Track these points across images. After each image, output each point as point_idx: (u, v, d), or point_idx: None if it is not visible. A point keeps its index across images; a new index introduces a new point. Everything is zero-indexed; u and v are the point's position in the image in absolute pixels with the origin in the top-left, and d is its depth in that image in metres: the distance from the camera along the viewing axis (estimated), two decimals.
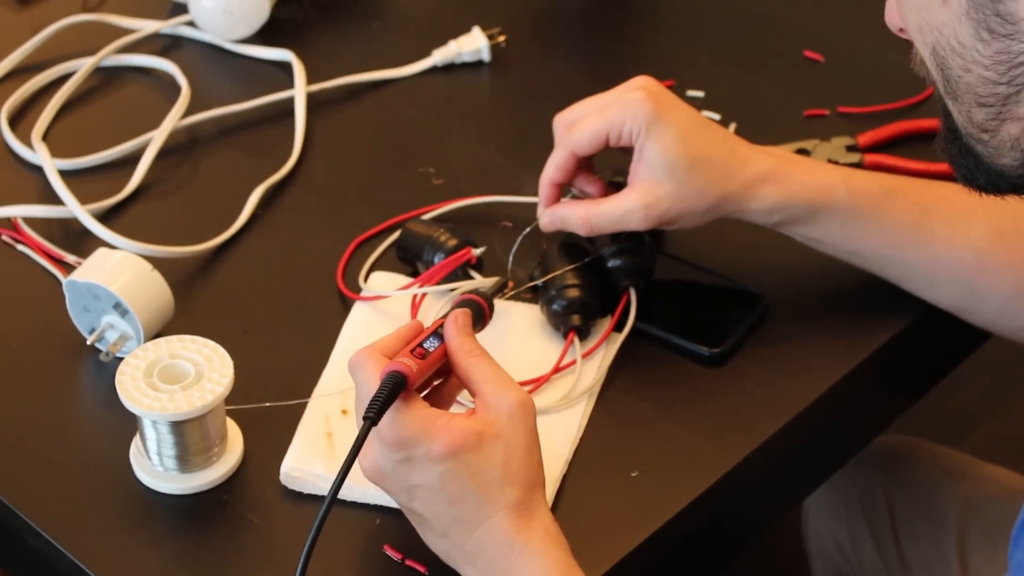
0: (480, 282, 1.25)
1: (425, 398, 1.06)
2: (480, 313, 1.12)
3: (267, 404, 1.18)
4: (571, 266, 1.23)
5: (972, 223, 1.21)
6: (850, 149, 1.39)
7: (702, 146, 1.20)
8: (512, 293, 1.24)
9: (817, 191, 1.21)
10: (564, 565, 1.02)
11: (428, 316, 1.24)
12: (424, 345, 1.05)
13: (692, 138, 1.20)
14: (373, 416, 1.00)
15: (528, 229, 1.28)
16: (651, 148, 1.19)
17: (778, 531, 1.32)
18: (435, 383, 1.09)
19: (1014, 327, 1.24)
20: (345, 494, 1.13)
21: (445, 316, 1.09)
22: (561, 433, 1.17)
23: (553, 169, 1.25)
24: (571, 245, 1.26)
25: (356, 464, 1.13)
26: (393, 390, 1.01)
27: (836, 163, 1.37)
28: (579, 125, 1.23)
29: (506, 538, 1.02)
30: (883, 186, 1.23)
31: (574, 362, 1.21)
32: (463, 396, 1.14)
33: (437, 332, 1.07)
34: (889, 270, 1.25)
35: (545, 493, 1.05)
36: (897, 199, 1.22)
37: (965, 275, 1.22)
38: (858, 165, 1.37)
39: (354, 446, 1.01)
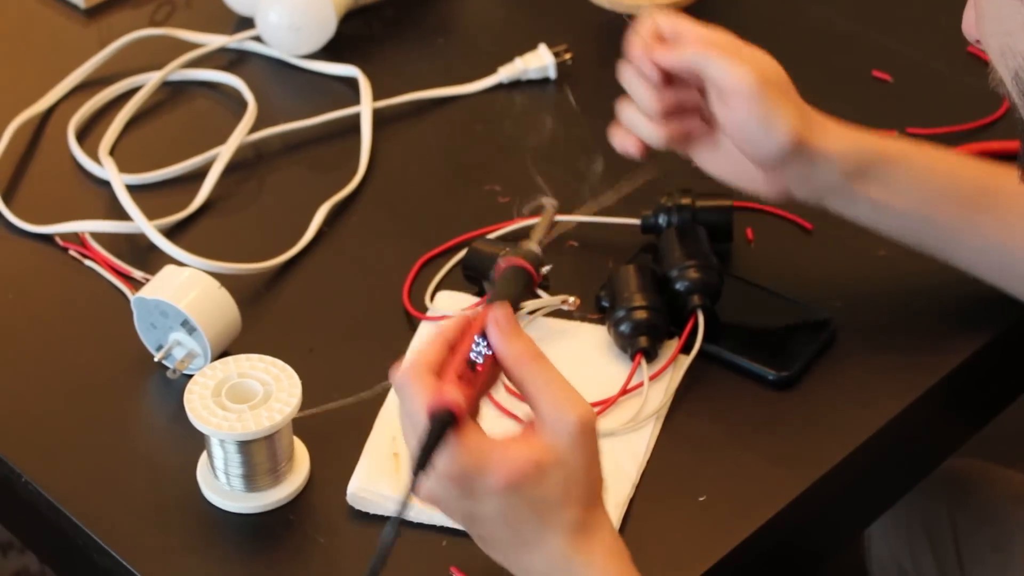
0: (546, 301, 1.24)
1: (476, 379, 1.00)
2: (528, 280, 1.03)
3: (332, 405, 1.16)
4: (638, 287, 1.23)
5: None
6: None
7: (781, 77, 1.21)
8: (578, 313, 1.24)
9: (885, 141, 1.20)
10: None
11: None
12: (472, 358, 0.98)
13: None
14: (420, 466, 0.96)
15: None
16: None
17: (839, 556, 1.31)
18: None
19: None
20: (412, 515, 1.12)
21: (494, 296, 1.01)
22: (628, 456, 1.16)
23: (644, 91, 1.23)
24: (639, 266, 1.25)
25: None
26: (442, 432, 0.96)
27: None
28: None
29: (565, 559, 1.00)
30: (948, 151, 1.21)
31: (641, 384, 1.21)
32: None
33: (482, 335, 0.99)
34: (964, 241, 1.21)
35: (605, 508, 1.01)
36: (967, 162, 1.20)
37: None
38: None
39: (405, 492, 0.97)
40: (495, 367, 1.00)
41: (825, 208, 1.24)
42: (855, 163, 1.20)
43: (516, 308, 1.02)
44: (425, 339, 1.00)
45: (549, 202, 1.10)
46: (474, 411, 1.01)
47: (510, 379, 1.01)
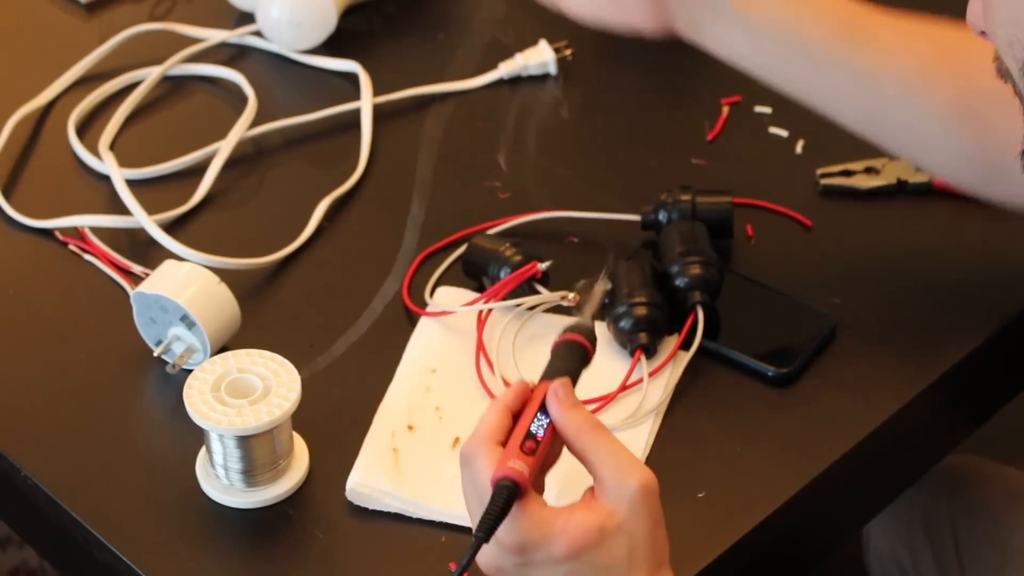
0: (546, 297, 1.24)
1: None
2: (584, 356, 1.05)
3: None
4: (638, 283, 1.23)
5: (916, 37, 1.18)
6: (919, 168, 1.38)
7: None
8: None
9: None
10: None
11: (494, 331, 1.24)
12: (532, 430, 0.99)
13: None
14: (483, 535, 0.95)
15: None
16: None
17: (838, 551, 1.31)
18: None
19: (949, 164, 1.21)
20: (412, 511, 1.12)
21: (550, 371, 1.03)
22: None
23: None
24: (638, 262, 1.25)
25: (421, 480, 1.13)
26: (507, 502, 0.96)
27: (905, 182, 1.36)
28: None
29: None
30: None
31: (640, 380, 1.21)
32: None
33: (543, 408, 1.00)
34: (833, 73, 1.20)
35: (671, 572, 1.00)
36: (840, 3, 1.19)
37: (908, 86, 1.18)
38: (927, 184, 1.36)
39: (463, 564, 0.96)
40: (556, 441, 1.01)
41: (698, 42, 1.23)
42: None
43: (574, 383, 1.03)
44: (488, 410, 1.01)
45: (601, 282, 1.11)
46: (539, 485, 1.02)
47: (571, 450, 1.01)
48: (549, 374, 1.03)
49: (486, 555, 0.99)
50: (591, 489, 1.00)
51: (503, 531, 0.97)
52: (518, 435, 0.99)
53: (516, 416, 1.01)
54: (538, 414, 1.00)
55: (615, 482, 0.98)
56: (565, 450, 1.02)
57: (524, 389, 1.02)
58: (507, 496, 0.96)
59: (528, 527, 0.97)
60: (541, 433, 1.00)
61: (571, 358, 1.04)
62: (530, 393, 1.02)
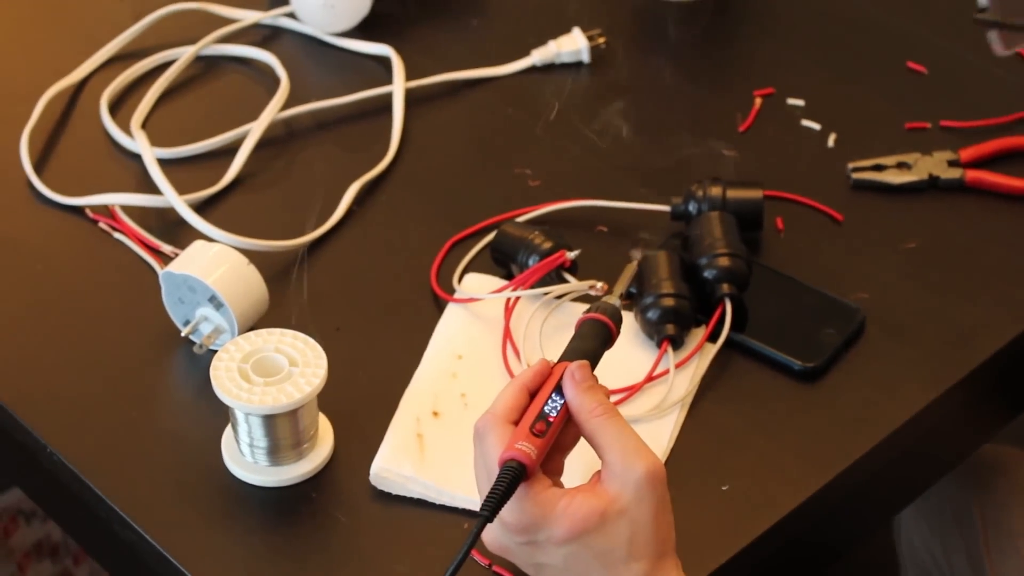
0: (574, 286, 1.24)
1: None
2: (608, 336, 1.06)
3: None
4: (666, 274, 1.22)
5: None
6: (952, 164, 1.37)
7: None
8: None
9: None
10: None
11: (521, 319, 1.24)
12: (546, 411, 1.00)
13: None
14: (488, 514, 0.97)
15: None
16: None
17: (869, 540, 1.31)
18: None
19: None
20: (434, 497, 1.12)
21: (572, 350, 1.04)
22: (652, 444, 1.14)
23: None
24: (668, 253, 1.25)
25: (445, 467, 1.13)
26: (512, 483, 0.97)
27: (937, 178, 1.36)
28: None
29: None
30: None
31: (667, 372, 1.20)
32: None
33: (559, 388, 1.01)
34: None
35: (676, 560, 1.01)
36: None
37: None
38: (959, 180, 1.36)
39: (468, 541, 0.97)
40: (568, 418, 1.02)
41: None
42: None
43: (594, 364, 1.04)
44: (505, 388, 1.02)
45: (636, 255, 1.12)
46: (556, 466, 1.03)
47: (582, 432, 1.02)
48: (569, 354, 1.04)
49: (491, 533, 1.01)
50: (598, 473, 1.00)
51: (507, 511, 0.98)
52: (530, 416, 1.00)
53: (534, 395, 1.02)
54: (553, 394, 1.01)
55: (621, 467, 0.98)
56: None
57: (544, 368, 1.03)
58: (512, 477, 0.97)
59: (531, 508, 0.98)
60: (554, 414, 1.00)
61: (593, 338, 1.05)
62: (549, 372, 1.02)
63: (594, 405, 1.01)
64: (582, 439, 1.03)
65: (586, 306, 1.24)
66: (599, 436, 1.00)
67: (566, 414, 1.01)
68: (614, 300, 1.08)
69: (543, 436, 0.99)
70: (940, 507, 1.48)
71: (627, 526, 0.98)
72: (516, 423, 1.00)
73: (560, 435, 1.02)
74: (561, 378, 1.02)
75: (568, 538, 0.98)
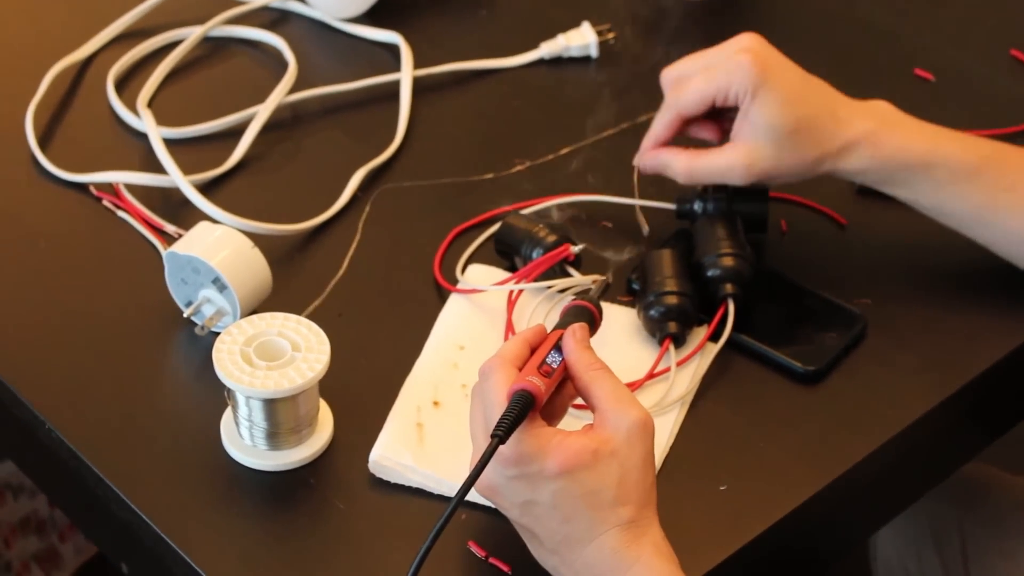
0: (577, 280, 1.24)
1: (542, 409, 1.05)
2: (591, 320, 1.11)
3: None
4: (670, 272, 1.22)
5: None
6: None
7: (804, 109, 1.24)
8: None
9: (911, 156, 1.24)
10: None
11: (524, 312, 1.24)
12: (547, 361, 1.05)
13: (795, 103, 1.24)
14: (502, 434, 1.00)
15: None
16: (756, 112, 1.23)
17: (845, 559, 1.31)
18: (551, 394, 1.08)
19: None
20: (433, 487, 1.12)
21: (563, 327, 1.08)
22: None
23: (661, 129, 1.29)
24: (671, 251, 1.25)
25: (444, 456, 1.13)
26: (523, 409, 1.01)
27: None
28: (685, 88, 1.26)
29: (615, 555, 1.01)
30: (980, 153, 1.25)
31: (668, 369, 1.20)
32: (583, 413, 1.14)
33: (557, 346, 1.06)
34: (982, 234, 1.26)
35: (656, 511, 1.04)
36: (993, 165, 1.24)
37: None
38: None
39: (480, 461, 1.00)
40: (565, 392, 1.08)
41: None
42: (874, 177, 1.26)
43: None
44: (509, 339, 1.09)
45: (600, 279, 1.21)
46: (557, 411, 1.09)
47: (577, 386, 1.06)
48: (563, 325, 1.09)
49: (485, 475, 1.03)
50: (590, 425, 1.04)
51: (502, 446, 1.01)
52: (535, 361, 1.05)
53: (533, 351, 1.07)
54: (552, 351, 1.06)
55: (614, 413, 1.02)
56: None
57: (541, 330, 1.08)
58: (523, 404, 1.01)
59: (526, 439, 1.01)
60: (555, 365, 1.05)
61: (580, 319, 1.10)
62: (546, 335, 1.08)
63: (592, 359, 1.06)
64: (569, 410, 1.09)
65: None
66: (594, 388, 1.04)
67: (563, 371, 1.06)
68: (594, 294, 1.15)
69: (550, 377, 1.04)
70: (916, 524, 1.48)
71: (617, 467, 1.01)
72: (519, 370, 1.05)
73: (554, 397, 1.07)
74: (560, 339, 1.06)
75: (560, 472, 1.01)
